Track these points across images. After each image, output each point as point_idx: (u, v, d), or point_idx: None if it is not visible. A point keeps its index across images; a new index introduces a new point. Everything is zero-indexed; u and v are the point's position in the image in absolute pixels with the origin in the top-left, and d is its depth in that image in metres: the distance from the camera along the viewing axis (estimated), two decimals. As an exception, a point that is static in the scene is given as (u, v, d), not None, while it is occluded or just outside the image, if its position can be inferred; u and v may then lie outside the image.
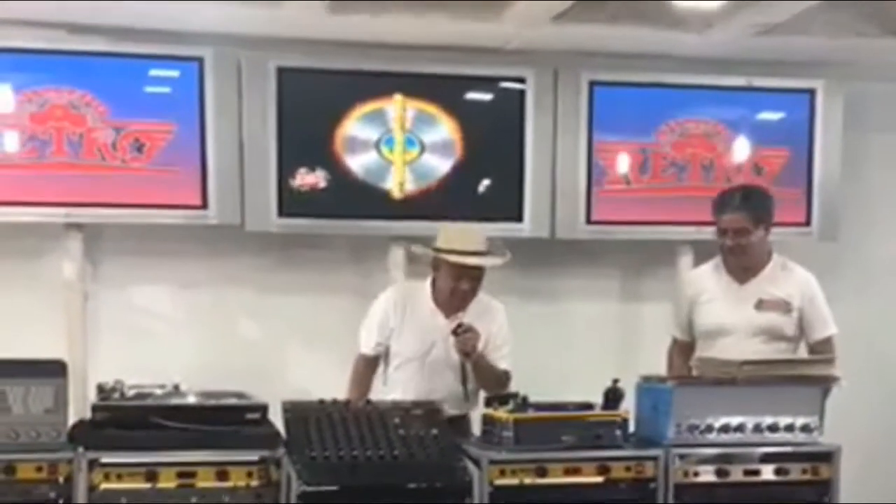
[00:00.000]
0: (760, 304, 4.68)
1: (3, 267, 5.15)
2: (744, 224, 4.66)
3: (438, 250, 4.57)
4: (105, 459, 3.75)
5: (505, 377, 4.59)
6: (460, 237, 4.58)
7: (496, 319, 4.68)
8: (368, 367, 4.69)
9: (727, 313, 4.69)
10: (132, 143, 5.08)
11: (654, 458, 4.09)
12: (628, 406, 4.26)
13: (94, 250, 5.24)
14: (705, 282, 4.80)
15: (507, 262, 4.60)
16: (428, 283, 4.68)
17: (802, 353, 4.76)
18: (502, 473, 3.97)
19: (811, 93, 5.74)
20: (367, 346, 4.68)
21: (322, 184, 5.27)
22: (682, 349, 4.83)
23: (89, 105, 5.03)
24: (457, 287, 4.53)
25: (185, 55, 5.15)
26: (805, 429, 4.24)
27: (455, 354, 4.56)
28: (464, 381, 4.54)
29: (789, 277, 4.76)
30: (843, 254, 5.87)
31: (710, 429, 4.17)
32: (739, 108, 5.74)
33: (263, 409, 4.01)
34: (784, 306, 4.68)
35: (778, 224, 5.63)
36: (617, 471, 4.07)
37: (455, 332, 4.50)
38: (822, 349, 4.71)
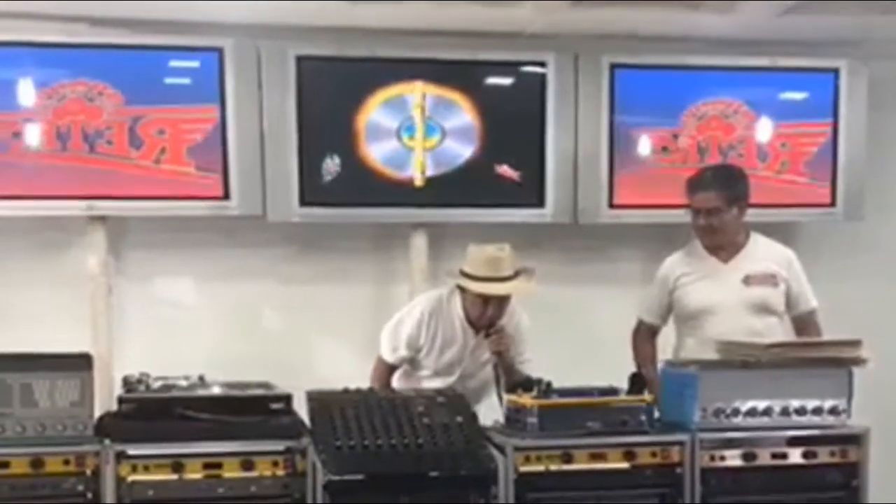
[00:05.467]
0: (748, 280, 4.69)
1: (28, 261, 5.17)
2: (716, 203, 4.66)
3: (466, 275, 4.53)
4: (132, 451, 3.77)
5: (528, 383, 4.59)
6: (487, 263, 4.50)
7: (518, 326, 4.65)
8: (389, 371, 4.68)
9: (716, 291, 4.68)
10: (153, 135, 5.08)
11: (681, 443, 4.07)
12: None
13: (118, 243, 5.26)
14: (686, 264, 4.80)
15: (535, 284, 4.57)
16: (458, 295, 4.63)
17: (788, 327, 4.77)
18: (527, 460, 3.97)
19: (835, 72, 5.68)
20: (391, 356, 4.65)
21: (343, 173, 5.26)
22: (649, 333, 4.85)
23: (110, 97, 5.04)
24: (484, 312, 4.52)
25: (204, 46, 5.14)
26: (833, 411, 4.21)
27: (483, 369, 4.59)
28: (497, 382, 4.52)
29: (770, 252, 4.79)
30: (868, 234, 5.83)
31: (736, 413, 4.14)
32: (763, 89, 5.68)
33: (288, 398, 4.02)
34: (771, 280, 4.71)
35: (803, 205, 5.67)
36: (643, 456, 4.05)
37: (487, 334, 4.51)
38: (809, 321, 4.76)
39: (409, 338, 4.60)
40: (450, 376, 4.59)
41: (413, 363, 4.67)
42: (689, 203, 4.74)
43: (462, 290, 4.59)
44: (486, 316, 4.52)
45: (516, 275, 4.53)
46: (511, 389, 4.25)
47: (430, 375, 4.62)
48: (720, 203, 4.66)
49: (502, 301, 4.53)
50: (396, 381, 4.72)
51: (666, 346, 4.84)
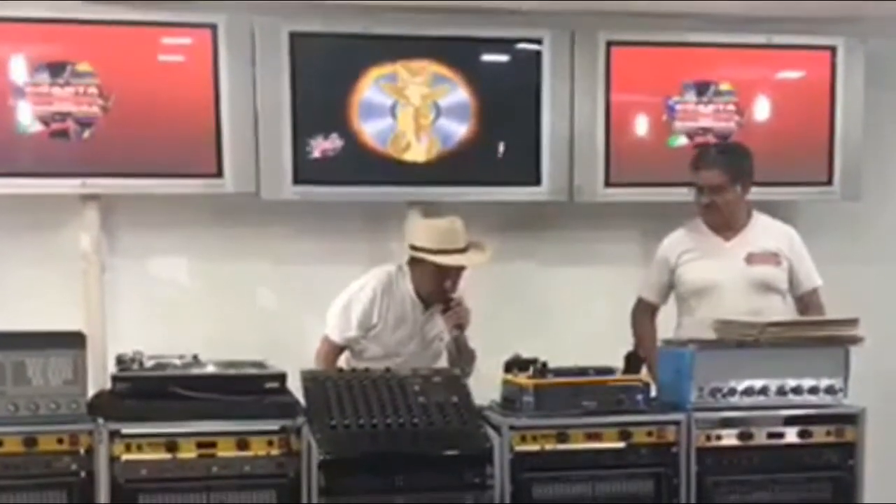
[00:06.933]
0: (751, 258, 4.70)
1: (21, 240, 5.14)
2: (720, 181, 4.66)
3: (419, 249, 4.51)
4: (126, 430, 3.75)
5: (474, 355, 4.59)
6: (443, 235, 4.51)
7: (463, 296, 4.63)
8: (337, 352, 4.64)
9: (718, 269, 4.69)
10: (146, 112, 5.03)
11: (676, 423, 4.06)
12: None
13: (111, 221, 5.22)
14: (688, 242, 4.80)
15: (489, 256, 4.58)
16: (407, 271, 4.62)
17: (791, 306, 4.77)
18: (523, 439, 3.96)
19: (832, 50, 5.65)
20: (340, 337, 4.61)
21: (337, 150, 5.23)
22: (648, 311, 4.85)
23: (102, 74, 4.98)
24: (441, 285, 4.50)
25: (197, 22, 5.10)
26: (829, 391, 4.21)
27: (431, 346, 4.62)
28: (456, 360, 4.52)
29: (773, 231, 4.80)
30: (864, 213, 5.81)
31: (732, 392, 4.14)
32: (759, 67, 5.65)
33: (282, 377, 4.00)
34: (774, 258, 4.72)
35: (799, 184, 5.65)
36: (638, 436, 4.04)
37: (446, 308, 4.49)
38: (811, 301, 4.76)
39: (361, 318, 4.58)
40: (398, 356, 4.57)
41: (361, 344, 4.63)
42: (693, 180, 4.73)
43: (414, 265, 4.56)
44: (444, 289, 4.50)
45: (468, 247, 4.53)
46: (507, 369, 4.22)
47: (380, 356, 4.58)
48: (724, 180, 4.66)
49: (460, 273, 4.52)
50: (343, 363, 4.67)
51: (668, 325, 4.82)
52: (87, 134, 5.02)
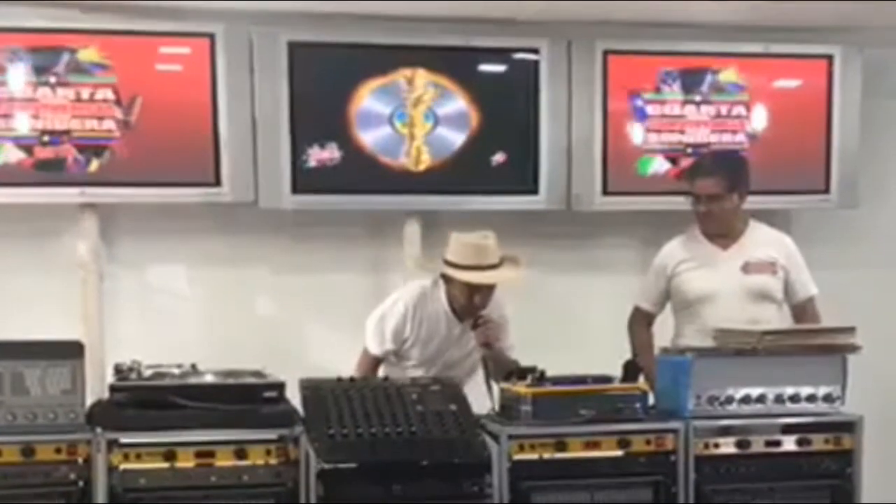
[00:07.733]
0: (747, 267, 4.71)
1: (19, 249, 5.14)
2: (717, 190, 4.68)
3: (450, 264, 4.51)
4: (124, 440, 3.75)
5: (522, 371, 4.58)
6: (473, 252, 4.48)
7: (502, 314, 4.63)
8: (375, 364, 4.65)
9: (715, 278, 4.70)
10: (144, 122, 5.03)
11: (675, 431, 4.07)
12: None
13: (109, 230, 5.22)
14: (685, 251, 4.81)
15: (522, 272, 4.56)
16: (442, 285, 4.61)
17: (787, 315, 4.78)
18: (521, 448, 3.96)
19: (829, 59, 5.66)
20: (377, 349, 4.62)
21: (335, 160, 5.24)
22: (645, 319, 4.86)
23: (101, 83, 4.99)
24: (471, 301, 4.49)
25: (195, 31, 5.11)
26: (827, 398, 4.22)
27: (468, 358, 4.58)
28: (487, 377, 4.50)
29: (769, 240, 4.82)
30: (861, 221, 5.82)
31: (730, 400, 4.14)
32: (756, 75, 5.65)
33: (281, 387, 4.00)
34: (770, 267, 4.73)
35: (797, 192, 5.66)
36: (637, 444, 4.05)
37: (475, 325, 4.48)
38: (807, 309, 4.77)
39: (394, 331, 4.58)
40: (434, 367, 4.57)
41: (398, 354, 4.65)
42: (690, 189, 4.74)
43: (447, 279, 4.56)
44: (473, 305, 4.50)
45: (501, 262, 4.52)
46: (505, 378, 4.22)
47: (414, 366, 4.60)
48: (721, 189, 4.68)
49: (489, 289, 4.51)
50: (382, 372, 4.69)
51: (666, 334, 4.83)
52: (94, 166, 4.99)
